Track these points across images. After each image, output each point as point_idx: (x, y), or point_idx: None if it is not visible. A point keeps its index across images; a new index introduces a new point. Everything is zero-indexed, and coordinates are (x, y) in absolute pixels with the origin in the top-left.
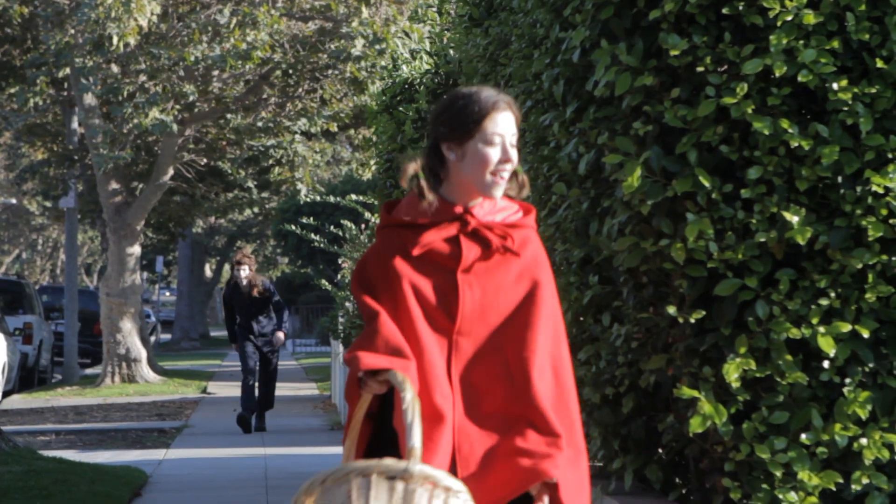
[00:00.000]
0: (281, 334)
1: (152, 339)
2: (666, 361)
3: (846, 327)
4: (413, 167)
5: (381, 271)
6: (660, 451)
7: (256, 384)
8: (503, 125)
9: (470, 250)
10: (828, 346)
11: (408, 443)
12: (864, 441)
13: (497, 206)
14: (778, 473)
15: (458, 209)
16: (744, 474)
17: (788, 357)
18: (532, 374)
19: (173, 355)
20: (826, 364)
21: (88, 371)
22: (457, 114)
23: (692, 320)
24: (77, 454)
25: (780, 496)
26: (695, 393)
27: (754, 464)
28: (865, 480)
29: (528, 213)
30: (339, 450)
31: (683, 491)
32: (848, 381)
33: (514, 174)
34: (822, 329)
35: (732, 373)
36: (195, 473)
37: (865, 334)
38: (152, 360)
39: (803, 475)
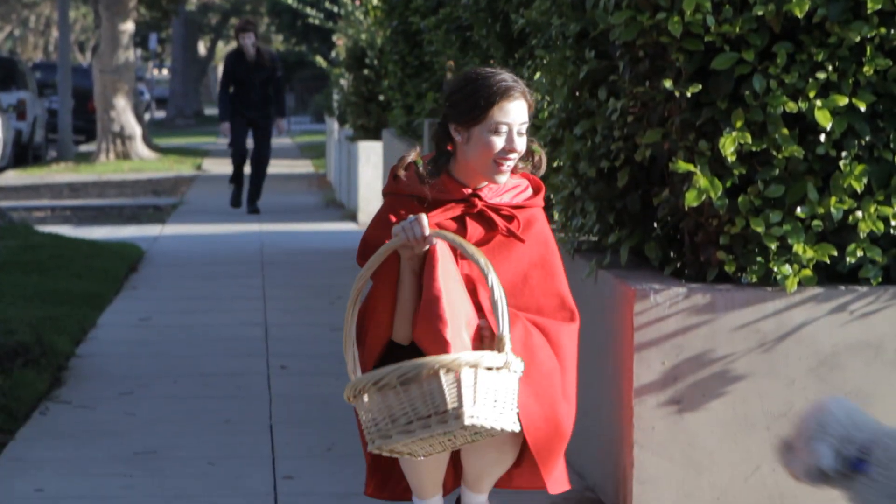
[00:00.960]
0: (283, 122)
1: (146, 116)
2: (662, 135)
3: (843, 100)
4: (413, 154)
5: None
6: (655, 225)
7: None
8: (512, 114)
9: (475, 231)
10: (824, 119)
11: (499, 331)
12: (859, 214)
13: (506, 186)
14: (773, 246)
15: (467, 191)
16: (739, 247)
17: (785, 130)
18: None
19: (168, 133)
20: (822, 137)
21: (83, 148)
22: (466, 98)
23: (689, 94)
24: (73, 230)
25: (775, 269)
26: (690, 167)
27: (749, 237)
28: (860, 253)
29: (537, 192)
30: (333, 226)
31: (678, 265)
32: (844, 154)
33: (530, 153)
34: (818, 102)
35: (728, 146)
36: (191, 249)
37: (862, 107)
38: (147, 137)
39: (798, 248)
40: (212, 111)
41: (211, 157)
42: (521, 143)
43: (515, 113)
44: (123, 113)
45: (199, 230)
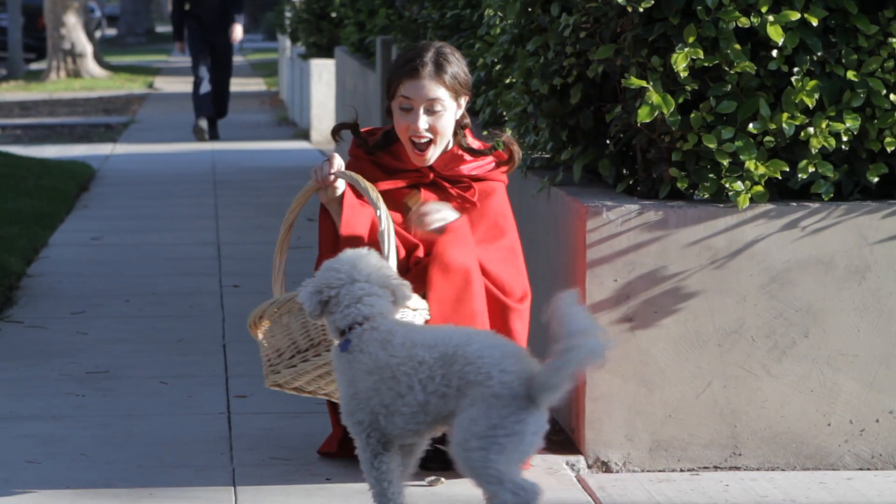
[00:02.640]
0: (239, 28)
1: (97, 34)
2: (614, 51)
3: (795, 16)
4: (351, 118)
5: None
6: (608, 142)
7: (208, 86)
8: (419, 91)
9: (428, 197)
10: (776, 34)
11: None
12: (811, 130)
13: (465, 159)
14: (725, 163)
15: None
16: (691, 164)
17: (737, 46)
18: None
19: (119, 50)
20: (774, 53)
21: (33, 66)
22: (388, 74)
23: (641, 9)
24: (23, 149)
25: (727, 185)
26: (643, 83)
27: (701, 153)
28: (811, 169)
29: (500, 168)
30: (286, 145)
31: (631, 182)
32: (796, 69)
33: (494, 138)
34: (770, 17)
35: (681, 62)
36: (143, 168)
37: (814, 22)
38: (98, 54)
39: (750, 164)
40: (164, 29)
41: (163, 75)
42: (427, 122)
43: (421, 91)
44: (74, 30)
45: (150, 149)
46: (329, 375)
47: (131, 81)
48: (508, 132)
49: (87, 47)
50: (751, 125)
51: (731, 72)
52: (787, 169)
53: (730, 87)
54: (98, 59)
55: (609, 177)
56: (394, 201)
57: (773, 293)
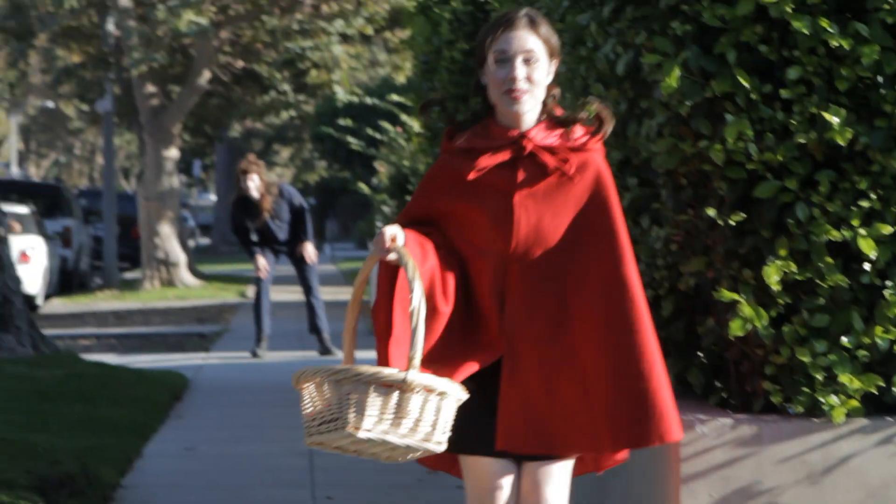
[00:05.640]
0: (309, 246)
1: (191, 243)
2: (706, 264)
3: (887, 229)
4: (435, 100)
5: (436, 193)
6: (699, 354)
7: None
8: (513, 43)
9: (526, 173)
10: (868, 248)
11: (410, 350)
12: None
13: (560, 131)
14: (819, 377)
15: (514, 133)
16: (784, 378)
17: (829, 259)
18: (639, 326)
19: (212, 259)
20: (867, 266)
21: (128, 275)
22: (479, 40)
23: (732, 222)
24: (117, 358)
25: (821, 399)
26: (735, 296)
27: (795, 367)
28: None
29: (594, 137)
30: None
31: (723, 395)
32: (889, 283)
33: (584, 105)
34: (862, 231)
35: (773, 275)
36: (235, 377)
37: None
38: (192, 264)
39: (844, 378)
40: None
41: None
42: (524, 71)
43: (517, 41)
44: (168, 240)
45: (242, 358)
46: (367, 441)
47: (224, 290)
48: None
49: (180, 257)
50: (844, 339)
51: (824, 285)
52: (883, 383)
53: (822, 300)
54: (191, 268)
55: (698, 386)
56: (491, 183)
57: None
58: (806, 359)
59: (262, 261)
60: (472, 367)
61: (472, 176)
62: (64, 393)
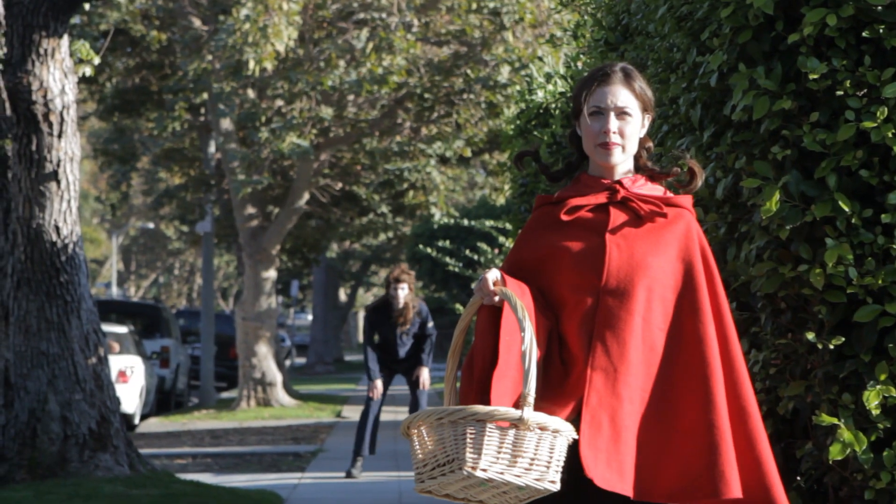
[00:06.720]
0: (425, 372)
1: (287, 362)
2: (805, 388)
3: None
4: (529, 151)
5: (530, 242)
6: (798, 478)
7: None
8: (608, 97)
9: (618, 216)
10: None
11: (523, 389)
12: None
13: (651, 186)
14: None
15: (607, 181)
16: (884, 502)
17: None
18: (713, 382)
19: (308, 379)
20: None
21: (224, 395)
22: (575, 93)
23: (831, 346)
24: (213, 477)
25: None
26: (834, 420)
27: (895, 492)
28: None
29: (686, 190)
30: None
31: None
32: None
33: (677, 159)
34: None
35: (873, 400)
36: (330, 497)
37: None
38: (287, 383)
39: None
40: (352, 357)
41: (350, 403)
42: (617, 125)
43: (611, 96)
44: (265, 359)
45: (338, 477)
46: (477, 486)
47: (320, 410)
48: None
49: (276, 376)
50: None
51: None
52: None
53: None
54: (287, 387)
55: None
56: (584, 224)
57: None
58: None
59: (379, 383)
60: (565, 409)
61: (566, 217)
62: None
